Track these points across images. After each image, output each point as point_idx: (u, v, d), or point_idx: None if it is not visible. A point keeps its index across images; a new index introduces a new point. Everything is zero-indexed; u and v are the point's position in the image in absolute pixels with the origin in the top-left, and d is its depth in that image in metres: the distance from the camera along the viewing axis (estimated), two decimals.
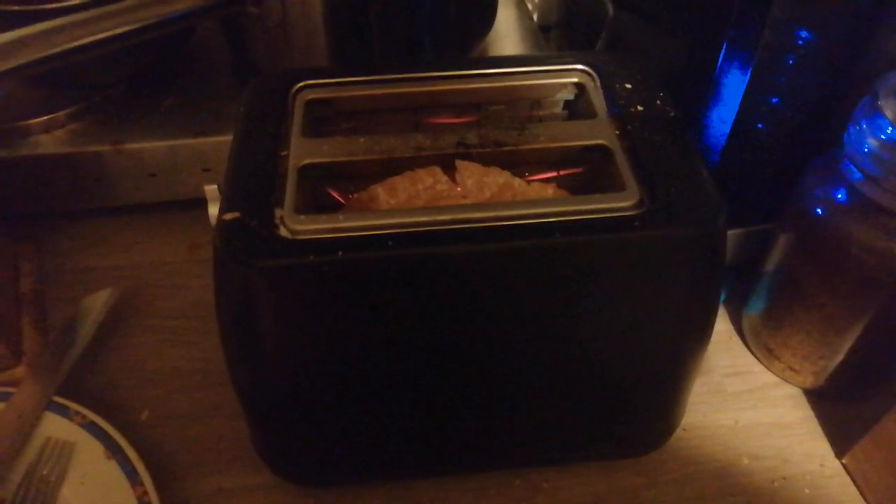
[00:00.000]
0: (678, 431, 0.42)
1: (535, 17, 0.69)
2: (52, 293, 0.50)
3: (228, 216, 0.30)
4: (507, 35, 0.60)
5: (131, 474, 0.38)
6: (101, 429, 0.40)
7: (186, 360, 0.46)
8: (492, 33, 0.58)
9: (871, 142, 0.35)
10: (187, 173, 0.52)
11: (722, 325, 0.49)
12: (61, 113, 0.51)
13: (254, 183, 0.32)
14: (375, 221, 0.30)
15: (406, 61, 0.38)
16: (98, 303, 0.48)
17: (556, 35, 0.68)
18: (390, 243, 0.29)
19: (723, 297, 0.50)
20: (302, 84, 0.37)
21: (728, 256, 0.48)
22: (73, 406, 0.41)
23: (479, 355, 0.34)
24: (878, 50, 0.41)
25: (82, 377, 0.45)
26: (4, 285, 0.48)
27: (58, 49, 0.42)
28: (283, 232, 0.30)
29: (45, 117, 0.51)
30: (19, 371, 0.45)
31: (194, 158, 0.52)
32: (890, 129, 0.35)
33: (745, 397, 0.45)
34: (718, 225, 0.31)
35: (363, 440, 0.37)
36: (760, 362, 0.46)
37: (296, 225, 0.30)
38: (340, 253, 0.29)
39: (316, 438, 0.37)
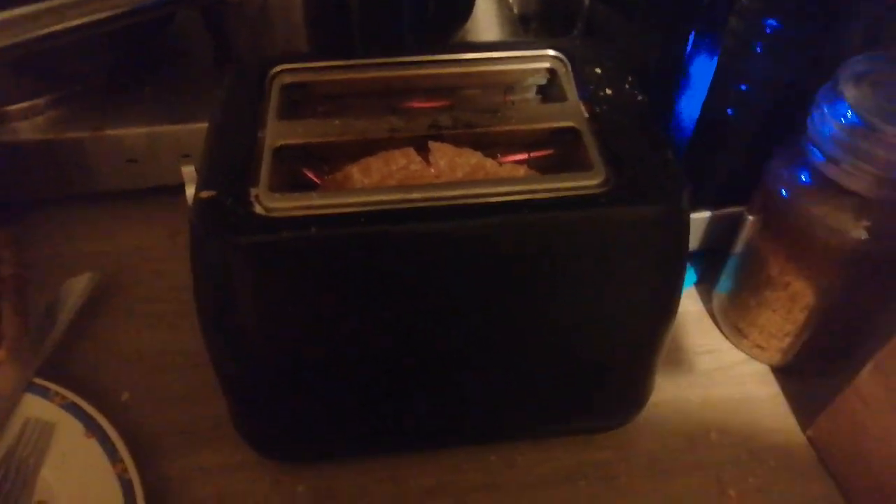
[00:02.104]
0: (650, 407, 0.43)
1: (514, 7, 0.69)
2: (32, 278, 0.50)
3: (204, 194, 0.31)
4: (486, 25, 0.61)
5: (111, 452, 0.39)
6: (80, 409, 0.40)
7: (166, 343, 0.47)
8: (471, 23, 0.59)
9: (833, 125, 0.37)
10: (167, 160, 0.52)
11: (694, 305, 0.50)
12: (41, 100, 0.52)
13: (230, 163, 0.33)
14: (348, 199, 0.31)
15: (383, 48, 0.39)
16: (78, 287, 0.48)
17: (536, 25, 0.69)
18: (362, 220, 0.30)
19: (695, 278, 0.51)
20: (279, 69, 0.38)
21: (700, 239, 0.50)
22: (53, 387, 0.41)
23: (452, 331, 0.34)
24: (842, 37, 0.43)
25: (63, 360, 0.45)
26: None
27: (37, 33, 0.43)
28: (258, 209, 0.30)
29: (25, 104, 0.51)
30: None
31: (174, 145, 0.52)
32: (849, 113, 0.36)
33: (715, 374, 0.46)
34: (681, 202, 0.32)
35: (341, 416, 0.38)
36: (729, 340, 0.48)
37: (270, 203, 0.30)
38: (313, 229, 0.29)
39: (294, 415, 0.38)
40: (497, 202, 0.31)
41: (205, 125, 0.51)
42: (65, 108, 0.53)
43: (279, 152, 0.34)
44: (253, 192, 0.31)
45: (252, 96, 0.36)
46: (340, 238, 0.30)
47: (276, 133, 0.34)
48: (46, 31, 0.42)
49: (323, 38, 0.51)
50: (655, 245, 0.33)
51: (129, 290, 0.50)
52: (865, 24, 0.42)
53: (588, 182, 0.32)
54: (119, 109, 0.52)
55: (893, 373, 0.35)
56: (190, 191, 0.34)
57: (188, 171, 0.35)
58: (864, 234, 0.37)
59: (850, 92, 0.36)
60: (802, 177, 0.39)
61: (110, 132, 0.51)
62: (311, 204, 0.31)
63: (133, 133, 0.51)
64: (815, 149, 0.38)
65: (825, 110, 0.37)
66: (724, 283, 0.47)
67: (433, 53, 0.39)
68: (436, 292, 0.33)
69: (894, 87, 0.36)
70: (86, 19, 0.43)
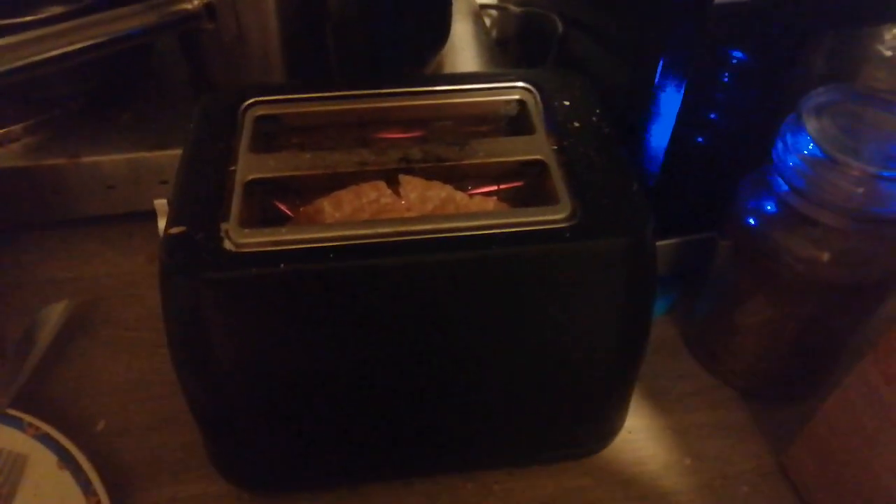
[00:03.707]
0: (624, 434, 0.44)
1: (493, 31, 0.70)
2: (8, 305, 0.50)
3: (174, 230, 0.31)
4: (463, 49, 0.62)
5: (85, 484, 0.39)
6: (54, 440, 0.40)
7: (143, 371, 0.47)
8: (448, 47, 0.60)
9: (796, 156, 0.37)
10: (145, 186, 0.53)
11: (668, 330, 0.50)
12: (17, 126, 0.52)
13: (201, 197, 0.33)
14: (318, 234, 0.31)
15: (358, 78, 0.39)
16: (54, 314, 0.48)
17: (514, 49, 0.70)
18: (331, 255, 0.30)
19: (669, 304, 0.52)
20: (252, 100, 0.38)
21: (673, 265, 0.50)
22: (27, 418, 0.41)
23: (424, 362, 0.35)
24: (806, 69, 0.44)
25: (38, 389, 0.45)
26: None
27: (15, 64, 0.43)
28: (228, 245, 0.31)
29: (1, 130, 0.51)
30: None
31: (152, 171, 0.52)
32: (811, 145, 0.37)
33: (689, 400, 0.46)
34: (646, 234, 0.32)
35: (315, 447, 0.38)
36: (703, 366, 0.48)
37: (240, 238, 0.31)
38: (282, 265, 0.30)
39: (266, 446, 0.38)
40: (466, 237, 0.31)
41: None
42: (42, 134, 0.53)
43: (250, 186, 0.34)
44: (223, 227, 0.31)
45: (224, 129, 0.37)
46: (309, 273, 0.30)
47: (248, 167, 0.34)
48: (25, 62, 0.42)
49: (299, 64, 0.51)
50: (623, 277, 0.33)
51: (107, 318, 0.50)
52: (828, 56, 0.43)
53: (554, 216, 0.32)
54: (97, 136, 0.52)
55: (859, 400, 0.36)
56: (162, 224, 0.34)
57: (160, 203, 0.36)
58: (828, 263, 0.38)
59: (811, 124, 0.37)
60: (768, 206, 0.40)
61: (88, 159, 0.51)
62: (281, 239, 0.31)
63: (111, 160, 0.51)
64: (779, 179, 0.39)
65: (788, 142, 0.38)
66: (698, 308, 0.48)
67: (406, 85, 0.40)
68: (406, 325, 0.33)
69: (854, 119, 0.37)
70: (64, 50, 0.44)
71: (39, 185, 0.52)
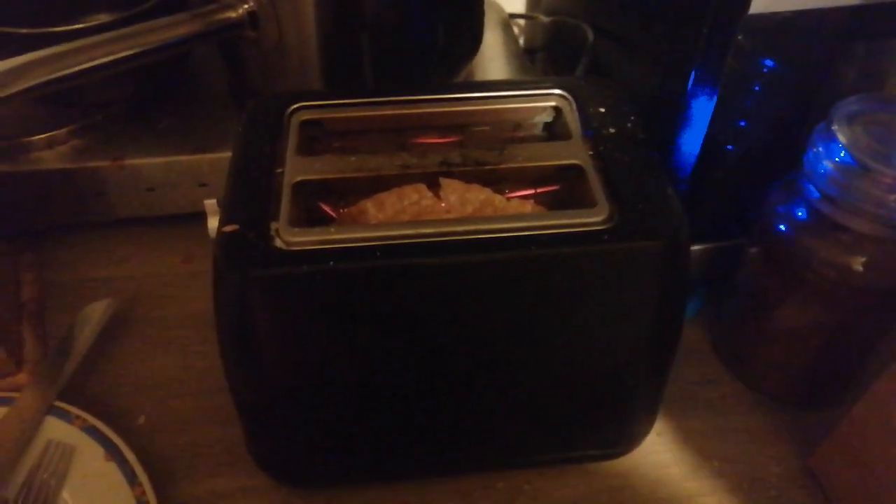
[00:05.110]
0: (653, 436, 0.44)
1: (521, 40, 0.72)
2: (52, 303, 0.52)
3: (227, 228, 0.32)
4: (492, 58, 0.63)
5: (130, 476, 0.40)
6: (100, 432, 0.41)
7: (181, 368, 0.48)
8: (478, 56, 0.61)
9: (827, 164, 0.38)
10: (184, 188, 0.54)
11: (695, 335, 0.51)
12: (63, 130, 0.53)
13: (251, 198, 0.34)
14: (364, 234, 0.32)
15: (395, 85, 0.40)
16: (97, 312, 0.49)
17: (542, 58, 0.71)
18: (378, 254, 0.31)
19: (697, 309, 0.52)
20: (297, 106, 0.39)
21: (700, 270, 0.51)
22: (74, 410, 0.43)
23: (462, 361, 0.36)
24: (837, 77, 0.44)
25: (82, 384, 0.47)
26: (6, 295, 0.50)
27: (65, 72, 0.44)
28: (279, 243, 0.32)
29: (48, 134, 0.53)
30: (20, 378, 0.46)
31: (191, 174, 0.54)
32: (843, 152, 0.37)
33: (717, 403, 0.47)
34: (680, 238, 0.33)
35: (354, 443, 0.39)
36: (731, 371, 0.49)
37: (290, 237, 0.32)
38: (331, 263, 0.31)
39: (307, 441, 0.39)
40: (505, 237, 0.32)
41: (221, 155, 0.52)
42: (86, 137, 0.54)
43: (297, 187, 0.35)
44: (273, 226, 0.33)
45: (271, 132, 0.38)
46: (357, 271, 0.31)
47: (295, 169, 0.36)
48: (73, 69, 0.44)
49: (335, 71, 0.52)
50: (657, 279, 0.34)
51: (146, 316, 0.52)
52: (859, 65, 0.44)
53: (592, 218, 0.33)
54: (139, 140, 0.54)
55: (888, 404, 0.36)
56: (212, 223, 0.35)
57: (210, 203, 0.37)
58: (859, 269, 0.39)
59: (843, 132, 0.38)
60: (799, 213, 0.41)
61: (130, 162, 0.53)
62: (329, 238, 0.32)
63: (152, 162, 0.53)
64: (810, 186, 0.39)
65: (820, 149, 0.39)
66: (726, 313, 0.49)
67: (443, 92, 0.41)
68: (446, 323, 0.34)
69: (886, 127, 0.38)
70: (112, 58, 0.45)
71: (83, 187, 0.53)
